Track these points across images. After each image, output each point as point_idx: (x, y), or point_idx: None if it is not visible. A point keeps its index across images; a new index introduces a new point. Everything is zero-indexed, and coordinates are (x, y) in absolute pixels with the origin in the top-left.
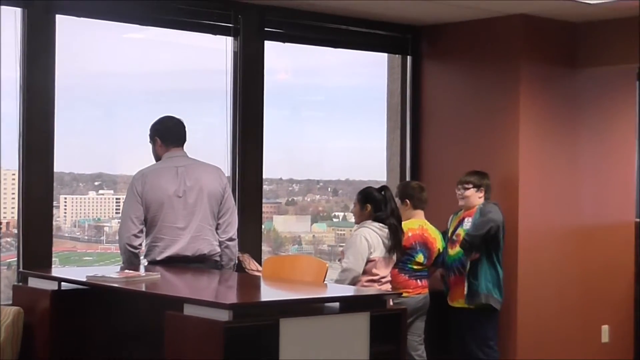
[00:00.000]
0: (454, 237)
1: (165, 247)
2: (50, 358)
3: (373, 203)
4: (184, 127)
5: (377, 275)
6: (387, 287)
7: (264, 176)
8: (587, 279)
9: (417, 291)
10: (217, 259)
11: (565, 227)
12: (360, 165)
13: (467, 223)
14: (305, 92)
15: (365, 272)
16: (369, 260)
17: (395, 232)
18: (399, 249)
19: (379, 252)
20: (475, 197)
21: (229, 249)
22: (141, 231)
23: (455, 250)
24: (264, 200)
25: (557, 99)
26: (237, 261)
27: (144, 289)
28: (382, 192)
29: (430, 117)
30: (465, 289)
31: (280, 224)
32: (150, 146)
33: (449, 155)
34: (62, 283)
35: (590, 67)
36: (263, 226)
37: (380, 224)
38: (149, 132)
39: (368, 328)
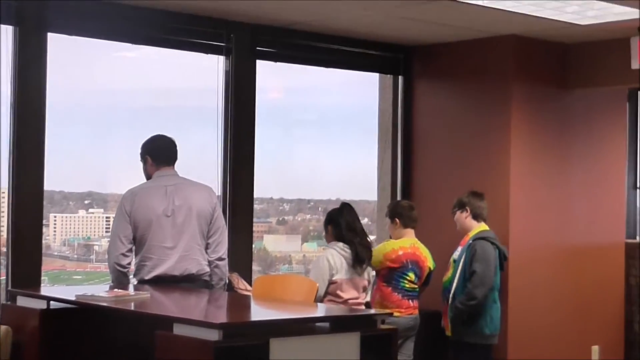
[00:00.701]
0: (448, 264)
1: (153, 267)
2: None
3: (333, 223)
4: (175, 146)
5: (341, 297)
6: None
7: (255, 195)
8: (578, 298)
9: (408, 311)
10: (207, 278)
11: (555, 247)
12: (351, 185)
13: (457, 251)
14: (297, 111)
15: (328, 294)
16: (331, 282)
17: (355, 248)
18: (360, 264)
19: (342, 273)
20: (462, 218)
21: (219, 269)
22: (130, 250)
23: (446, 277)
24: (254, 220)
25: (548, 119)
26: (227, 281)
27: (133, 308)
28: (339, 210)
29: (421, 136)
30: (450, 324)
31: (270, 243)
32: (141, 165)
33: (440, 174)
34: (51, 302)
35: (581, 87)
36: (253, 245)
37: (343, 244)
38: (140, 151)
39: (359, 348)
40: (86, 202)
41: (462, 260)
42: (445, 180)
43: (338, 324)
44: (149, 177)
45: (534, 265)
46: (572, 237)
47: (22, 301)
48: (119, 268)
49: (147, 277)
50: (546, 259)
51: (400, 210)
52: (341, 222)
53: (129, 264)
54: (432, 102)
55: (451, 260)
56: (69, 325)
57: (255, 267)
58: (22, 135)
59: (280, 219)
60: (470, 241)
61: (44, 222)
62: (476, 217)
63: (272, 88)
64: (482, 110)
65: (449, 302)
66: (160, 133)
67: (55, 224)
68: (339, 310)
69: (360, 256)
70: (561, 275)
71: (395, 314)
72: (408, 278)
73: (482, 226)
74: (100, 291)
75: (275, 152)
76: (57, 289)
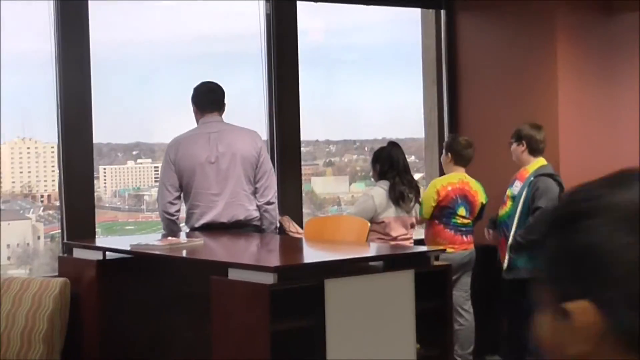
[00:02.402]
0: (504, 198)
1: (201, 214)
2: (99, 326)
3: (380, 161)
4: (221, 92)
5: (390, 235)
6: (408, 244)
7: (301, 138)
8: None
9: (463, 247)
10: (257, 223)
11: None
12: (397, 123)
13: (516, 187)
14: (339, 52)
15: (377, 232)
16: (379, 222)
17: (393, 186)
18: (402, 201)
19: (389, 212)
20: (518, 151)
21: (268, 213)
22: (177, 198)
23: (503, 211)
24: (301, 163)
25: (594, 47)
26: (278, 224)
27: (187, 255)
28: (384, 149)
29: (466, 70)
30: (506, 261)
31: (318, 185)
32: (187, 113)
33: (487, 108)
34: (107, 253)
35: (628, 12)
36: (302, 188)
37: (388, 182)
38: None
39: (413, 286)
40: (134, 152)
41: (522, 196)
42: (492, 114)
43: (391, 263)
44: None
45: None
46: (625, 164)
47: (79, 253)
48: (167, 216)
49: (197, 225)
50: None
51: (455, 146)
52: (385, 161)
53: (177, 211)
54: (476, 35)
55: (508, 194)
56: (125, 274)
57: (304, 210)
58: (68, 90)
59: (327, 160)
60: (531, 178)
61: (94, 174)
62: (533, 151)
63: (313, 29)
64: (527, 40)
65: (509, 239)
66: (206, 80)
67: (105, 176)
68: (392, 249)
69: (401, 194)
70: None
71: (449, 250)
72: (459, 214)
73: (540, 161)
74: (153, 240)
75: (319, 93)
76: (111, 240)
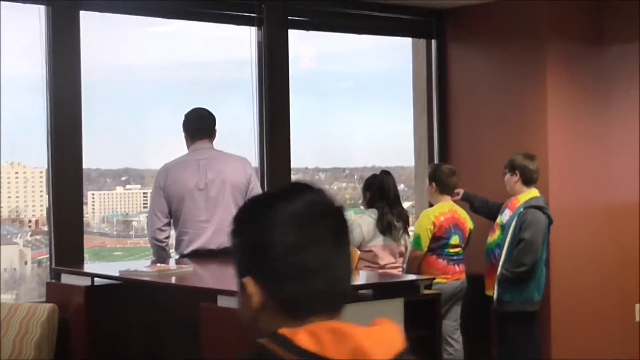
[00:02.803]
0: (493, 225)
1: (190, 241)
2: (87, 353)
3: (370, 190)
4: (212, 119)
5: (377, 264)
6: (396, 272)
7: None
8: (620, 257)
9: (455, 277)
10: None
11: (596, 206)
12: (387, 151)
13: (505, 215)
14: (330, 79)
15: (366, 260)
16: (367, 250)
17: (381, 216)
18: (389, 232)
19: (378, 240)
20: (512, 182)
21: None
22: (167, 224)
23: (492, 238)
24: None
25: (585, 77)
26: None
27: (177, 282)
28: (375, 177)
29: (457, 99)
30: (495, 293)
31: None
32: (178, 139)
33: (477, 137)
34: (95, 278)
35: (618, 44)
36: None
37: (376, 211)
38: None
39: (402, 314)
40: (123, 178)
41: (511, 228)
42: (482, 143)
43: (381, 291)
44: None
45: (575, 225)
46: (612, 196)
47: (67, 279)
48: (157, 242)
49: (185, 252)
50: (587, 218)
51: (439, 175)
52: (376, 190)
53: (167, 238)
54: (467, 64)
55: (498, 221)
56: (114, 300)
57: None
58: (58, 115)
59: None
60: (521, 209)
61: (83, 200)
62: (526, 181)
63: (305, 57)
64: (518, 70)
65: (498, 270)
66: (197, 106)
67: (93, 202)
68: (382, 277)
69: (389, 224)
70: (603, 235)
71: (442, 280)
72: (451, 243)
73: (533, 192)
74: (142, 266)
75: (309, 121)
76: (100, 266)
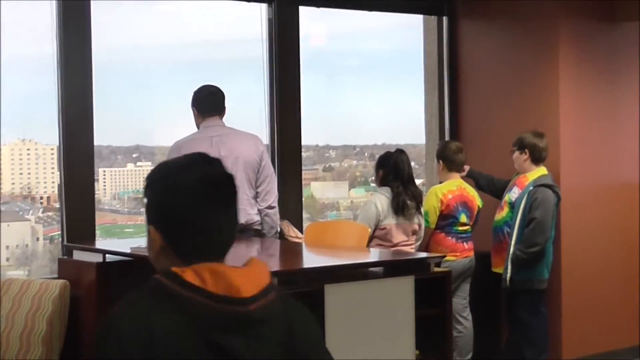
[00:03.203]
0: (501, 203)
1: None
2: None
3: (384, 168)
4: (222, 95)
5: (390, 242)
6: (409, 250)
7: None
8: (631, 235)
9: (464, 254)
10: (258, 227)
11: (607, 184)
12: (397, 129)
13: (514, 193)
14: (341, 57)
15: (378, 238)
16: (381, 228)
17: (396, 195)
18: (403, 211)
19: (390, 219)
20: (521, 160)
21: (269, 217)
22: None
23: (500, 216)
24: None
25: (596, 55)
26: (278, 229)
27: None
28: (389, 155)
29: (468, 77)
30: (509, 273)
31: (318, 190)
32: (188, 116)
33: (488, 115)
34: (107, 255)
35: (630, 21)
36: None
37: (390, 189)
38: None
39: (413, 291)
40: (134, 155)
41: (522, 206)
42: (493, 121)
43: (391, 268)
44: (198, 128)
45: (586, 202)
46: (623, 173)
47: (78, 255)
48: None
49: None
50: (598, 196)
51: (447, 152)
52: (390, 169)
53: None
54: (478, 42)
55: (506, 199)
56: (125, 277)
57: (304, 215)
58: (69, 92)
59: (327, 165)
60: (531, 187)
61: (94, 177)
62: (535, 160)
63: (316, 34)
64: (529, 48)
65: (511, 249)
66: (206, 84)
67: (104, 179)
68: (392, 255)
69: (402, 203)
70: (613, 212)
71: (451, 257)
72: (460, 221)
73: (541, 170)
74: None
75: (320, 99)
76: (111, 242)
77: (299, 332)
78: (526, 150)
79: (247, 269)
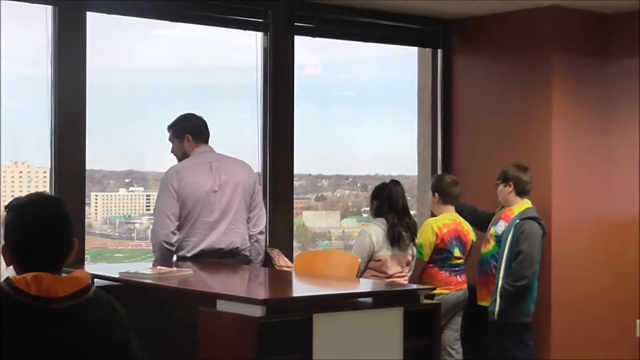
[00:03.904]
0: (487, 236)
1: (199, 242)
2: None
3: (378, 198)
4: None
5: (385, 273)
6: (403, 282)
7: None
8: (621, 271)
9: (457, 287)
10: (247, 253)
11: (599, 221)
12: (390, 160)
13: (500, 226)
14: (335, 87)
15: (373, 269)
16: (376, 259)
17: (391, 226)
18: (398, 242)
19: (386, 250)
20: (505, 193)
21: (259, 243)
22: (177, 227)
23: (486, 249)
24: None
25: (589, 91)
26: (264, 256)
27: (177, 285)
28: (384, 186)
29: (461, 110)
30: (497, 306)
31: (309, 219)
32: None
33: (481, 148)
34: (95, 280)
35: (623, 59)
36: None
37: (385, 220)
38: (173, 130)
39: (402, 323)
40: (126, 180)
41: (509, 239)
42: (486, 154)
43: (381, 299)
44: (185, 155)
45: (577, 238)
46: (614, 209)
47: None
48: (167, 246)
49: (189, 254)
50: (588, 231)
51: (442, 185)
52: (385, 200)
53: (177, 241)
54: (472, 75)
55: (492, 232)
56: None
57: (294, 244)
58: (62, 115)
59: (319, 195)
60: (517, 220)
61: (86, 200)
62: (519, 192)
63: (310, 64)
64: (523, 82)
65: (499, 283)
66: (190, 112)
67: (96, 203)
68: (382, 285)
69: (397, 234)
70: (605, 248)
71: (445, 291)
72: (454, 255)
73: (526, 203)
74: (143, 268)
75: (313, 128)
76: (100, 267)
77: (112, 322)
78: (510, 183)
79: (67, 276)
